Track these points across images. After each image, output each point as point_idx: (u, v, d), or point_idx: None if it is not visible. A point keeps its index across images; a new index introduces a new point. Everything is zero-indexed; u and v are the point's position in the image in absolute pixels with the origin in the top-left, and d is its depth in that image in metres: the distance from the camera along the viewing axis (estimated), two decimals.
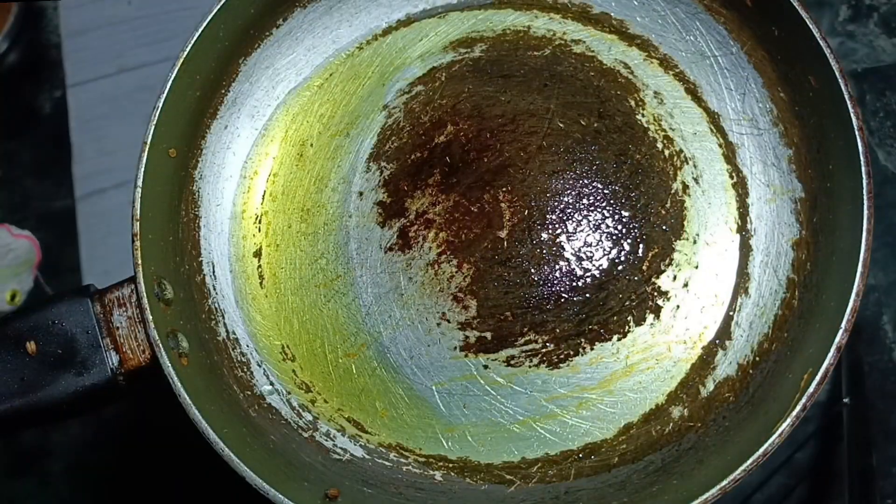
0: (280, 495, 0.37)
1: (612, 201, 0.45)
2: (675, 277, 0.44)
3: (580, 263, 0.44)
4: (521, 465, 0.42)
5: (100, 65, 0.66)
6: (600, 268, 0.44)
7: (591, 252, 0.44)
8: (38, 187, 0.68)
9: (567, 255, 0.44)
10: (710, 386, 0.42)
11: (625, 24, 0.48)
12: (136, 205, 0.41)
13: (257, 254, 0.47)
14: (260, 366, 0.45)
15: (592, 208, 0.45)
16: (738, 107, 0.46)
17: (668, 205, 0.45)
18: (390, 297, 0.45)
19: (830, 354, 0.38)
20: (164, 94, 0.44)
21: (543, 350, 0.43)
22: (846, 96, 0.41)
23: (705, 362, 0.43)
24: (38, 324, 0.41)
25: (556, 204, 0.45)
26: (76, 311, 0.41)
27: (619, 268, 0.44)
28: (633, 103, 0.47)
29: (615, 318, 0.43)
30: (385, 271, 0.45)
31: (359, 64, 0.50)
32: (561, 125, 0.47)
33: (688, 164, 0.46)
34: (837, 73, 0.41)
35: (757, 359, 0.42)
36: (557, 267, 0.44)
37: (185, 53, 0.45)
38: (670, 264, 0.44)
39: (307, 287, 0.46)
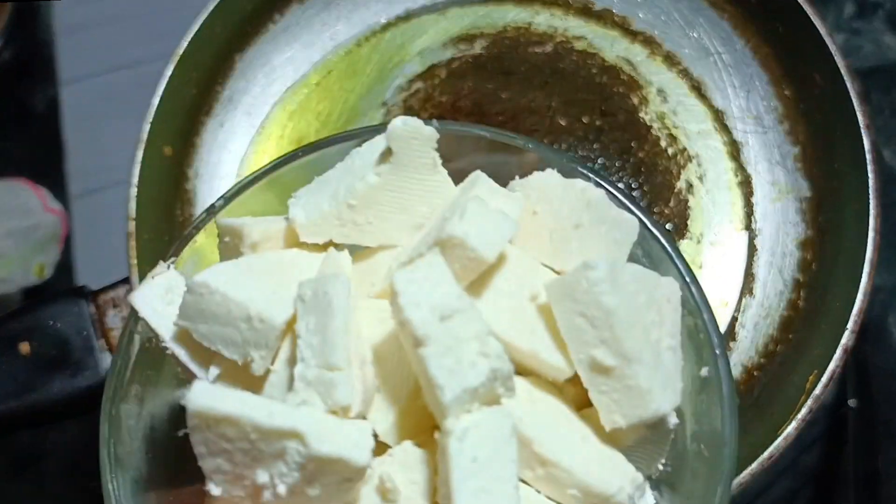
0: None
1: None
2: None
3: None
4: None
5: (94, 62, 0.65)
6: None
7: None
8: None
9: None
10: None
11: (627, 21, 0.48)
12: (131, 204, 0.41)
13: None
14: None
15: None
16: (742, 104, 0.46)
17: (671, 204, 0.44)
18: None
19: (836, 356, 0.38)
20: (160, 92, 0.44)
21: None
22: (852, 94, 0.41)
23: None
24: (32, 325, 0.41)
25: None
26: (70, 312, 0.41)
27: None
28: (636, 101, 0.46)
29: None
30: None
31: (357, 61, 0.49)
32: (562, 123, 0.46)
33: (692, 162, 0.45)
34: (843, 71, 0.41)
35: (762, 360, 0.42)
36: None
37: (181, 50, 0.45)
38: None
39: None
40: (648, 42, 0.47)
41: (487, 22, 0.49)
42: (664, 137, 0.45)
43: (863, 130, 0.40)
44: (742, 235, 0.44)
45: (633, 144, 0.45)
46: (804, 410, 0.37)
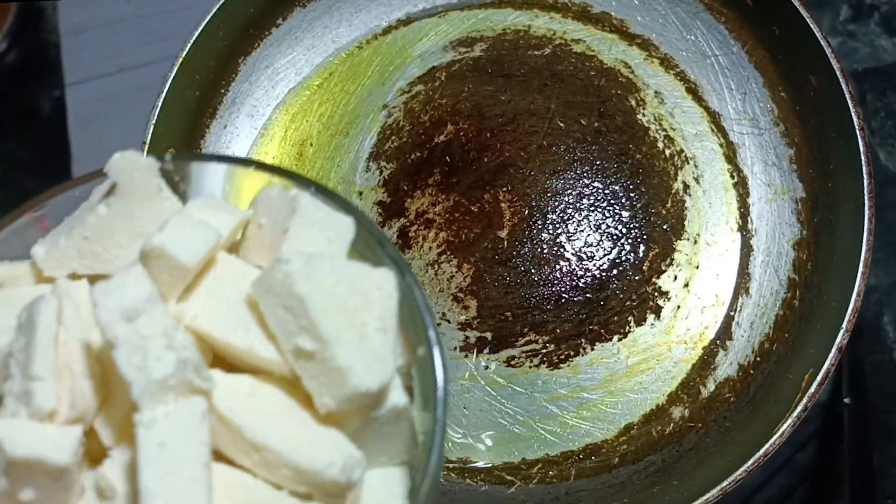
0: None
1: (612, 201, 0.45)
2: (675, 277, 0.44)
3: (581, 263, 0.44)
4: (521, 465, 0.42)
5: (99, 64, 0.65)
6: (601, 268, 0.44)
7: (591, 252, 0.44)
8: (37, 187, 0.68)
9: (567, 255, 0.44)
10: (711, 386, 0.42)
11: (625, 24, 0.48)
12: None
13: None
14: None
15: (593, 208, 0.45)
16: (738, 106, 0.46)
17: (668, 205, 0.45)
18: None
19: (831, 355, 0.38)
20: (164, 94, 0.44)
21: (544, 350, 0.43)
22: (847, 96, 0.41)
23: (706, 363, 0.42)
24: None
25: (556, 204, 0.45)
26: None
27: (620, 268, 0.44)
28: (633, 103, 0.47)
29: (616, 318, 0.43)
30: None
31: (358, 63, 0.50)
32: (561, 125, 0.46)
33: (688, 163, 0.45)
34: (838, 73, 0.41)
35: (758, 359, 0.42)
36: (558, 267, 0.44)
37: (185, 53, 0.45)
38: (671, 264, 0.44)
39: None
40: (646, 45, 0.48)
41: (487, 25, 0.49)
42: (661, 139, 0.46)
43: (858, 132, 0.41)
44: (738, 235, 0.44)
45: (630, 146, 0.46)
46: (800, 408, 0.37)
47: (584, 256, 0.44)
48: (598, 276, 0.44)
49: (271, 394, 0.25)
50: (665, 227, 0.44)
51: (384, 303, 0.25)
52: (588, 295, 0.43)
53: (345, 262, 0.26)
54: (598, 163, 0.46)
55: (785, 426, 0.37)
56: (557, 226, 0.45)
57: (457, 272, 0.44)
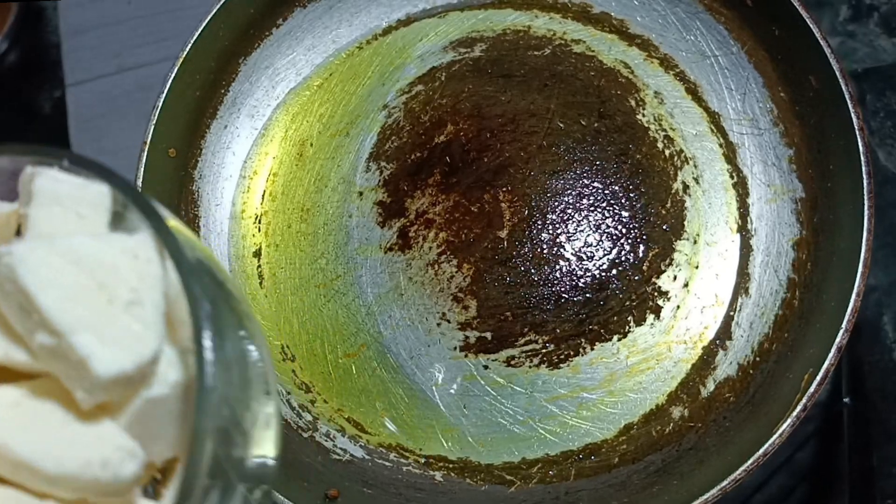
0: (280, 496, 0.37)
1: (612, 201, 0.45)
2: (675, 277, 0.44)
3: (580, 263, 0.44)
4: (521, 465, 0.42)
5: (99, 64, 0.65)
6: (600, 268, 0.44)
7: (591, 252, 0.44)
8: None
9: (567, 255, 0.44)
10: (711, 386, 0.42)
11: (625, 24, 0.48)
12: None
13: (257, 254, 0.47)
14: None
15: (593, 208, 0.45)
16: (738, 107, 0.46)
17: (668, 205, 0.45)
18: (390, 297, 0.45)
19: (831, 355, 0.38)
20: (164, 94, 0.45)
21: (544, 350, 0.43)
22: (847, 96, 0.41)
23: (706, 362, 0.42)
24: None
25: (556, 204, 0.45)
26: None
27: (620, 268, 0.44)
28: (633, 103, 0.47)
29: (615, 318, 0.43)
30: (385, 271, 0.45)
31: (359, 63, 0.50)
32: (561, 125, 0.46)
33: (688, 164, 0.45)
34: (838, 73, 0.41)
35: (757, 359, 0.42)
36: (558, 267, 0.44)
37: (185, 53, 0.45)
38: (671, 264, 0.44)
39: (307, 287, 0.46)
40: (646, 45, 0.48)
41: (487, 25, 0.49)
42: (661, 139, 0.46)
43: (857, 132, 0.41)
44: (737, 236, 0.44)
45: (630, 146, 0.46)
46: (799, 408, 0.37)
47: (583, 256, 0.44)
48: (598, 276, 0.44)
49: (38, 399, 0.22)
50: (665, 227, 0.44)
51: (142, 271, 0.22)
52: (588, 295, 0.44)
53: (89, 238, 0.23)
54: (597, 163, 0.46)
55: (784, 426, 0.37)
56: (557, 226, 0.45)
57: (457, 272, 0.45)
